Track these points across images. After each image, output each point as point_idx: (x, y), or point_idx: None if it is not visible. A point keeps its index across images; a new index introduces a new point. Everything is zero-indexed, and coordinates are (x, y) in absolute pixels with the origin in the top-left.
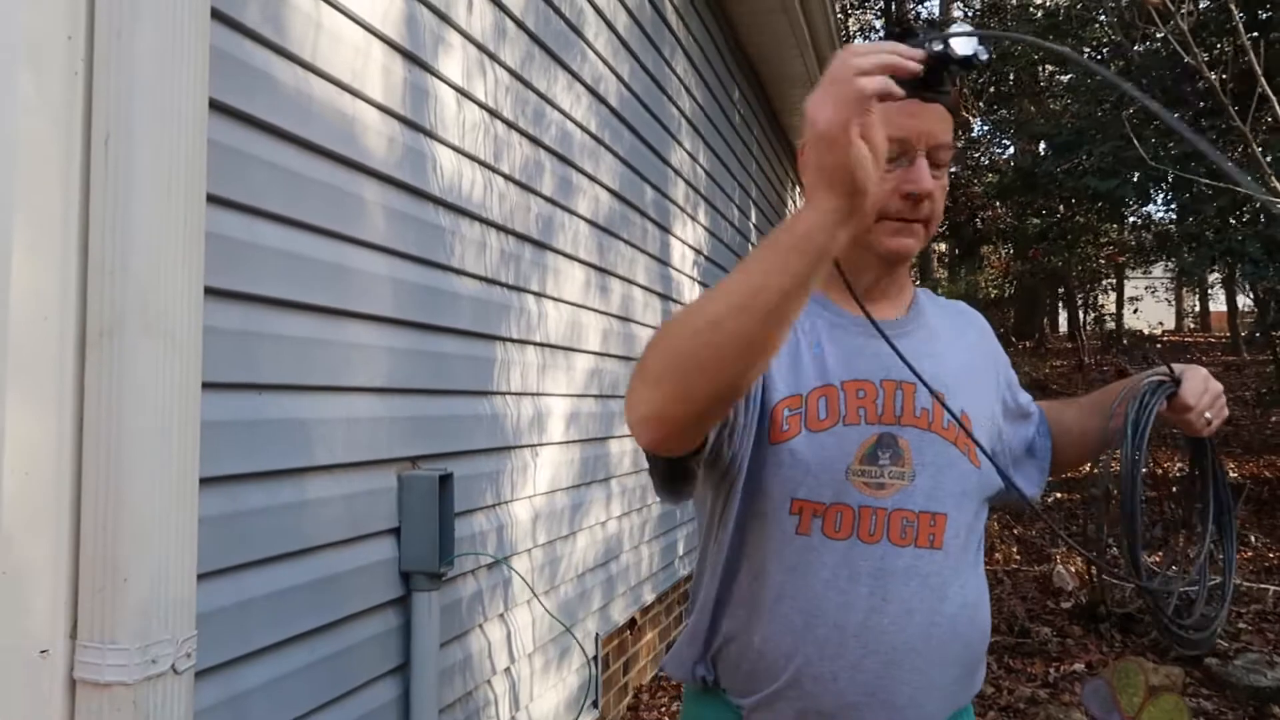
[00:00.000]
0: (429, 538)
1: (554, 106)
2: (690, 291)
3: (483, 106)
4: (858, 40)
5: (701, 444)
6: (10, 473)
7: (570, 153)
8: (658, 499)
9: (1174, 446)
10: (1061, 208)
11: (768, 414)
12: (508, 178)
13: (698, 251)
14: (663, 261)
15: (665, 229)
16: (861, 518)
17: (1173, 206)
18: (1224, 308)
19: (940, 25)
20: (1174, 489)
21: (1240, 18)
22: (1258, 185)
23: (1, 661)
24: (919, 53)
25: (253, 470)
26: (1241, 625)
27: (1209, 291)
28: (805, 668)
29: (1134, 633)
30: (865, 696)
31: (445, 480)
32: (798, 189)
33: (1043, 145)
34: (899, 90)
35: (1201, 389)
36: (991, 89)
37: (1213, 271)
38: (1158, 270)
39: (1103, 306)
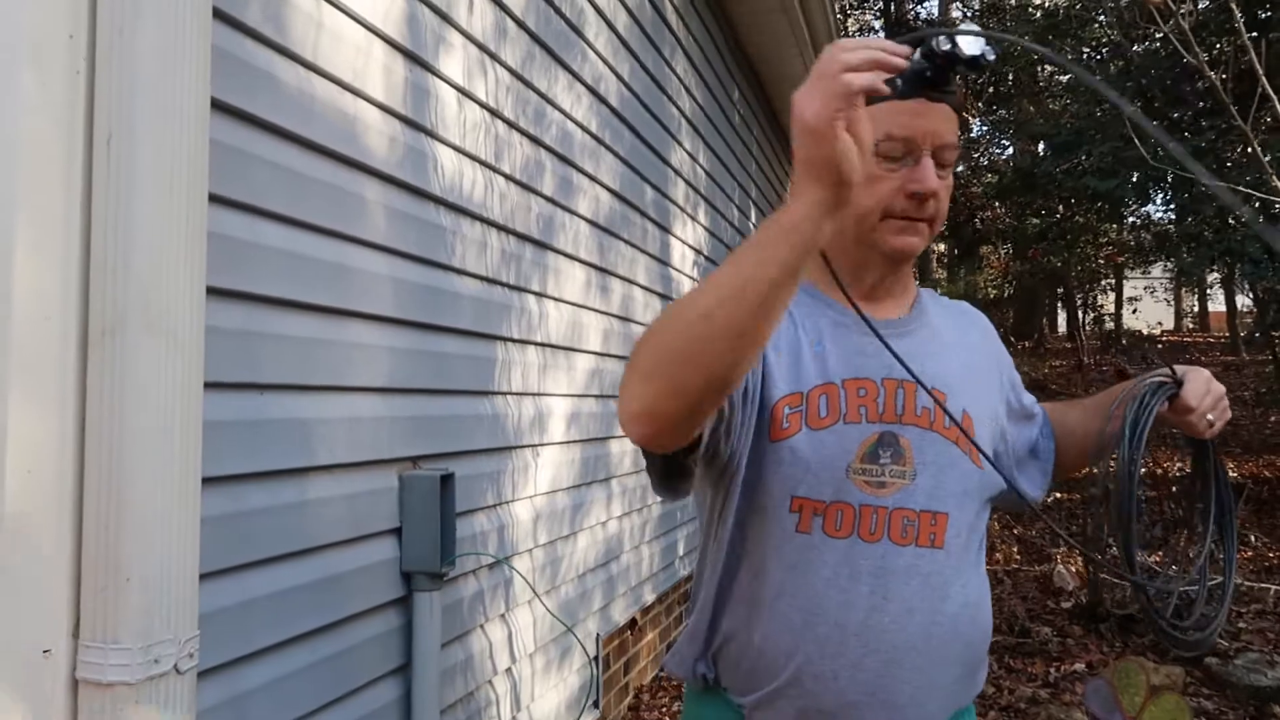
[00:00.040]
0: (430, 538)
1: (554, 106)
2: None
3: (484, 106)
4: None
5: (697, 441)
6: (13, 472)
7: (571, 153)
8: (658, 499)
9: (1174, 447)
10: (1061, 208)
11: (768, 411)
12: (508, 178)
13: (698, 251)
14: (663, 261)
15: (665, 229)
16: (862, 516)
17: (1172, 206)
18: (1223, 308)
19: (941, 26)
20: (1174, 489)
21: (1240, 19)
22: (1236, 197)
23: (4, 661)
24: (906, 49)
25: (255, 470)
26: (1242, 625)
27: (1208, 292)
28: (806, 666)
29: (1134, 633)
30: (866, 695)
31: (446, 480)
32: None
33: (1042, 145)
34: (885, 88)
35: (1204, 391)
36: (991, 89)
37: (1212, 271)
38: (1157, 270)
39: (1102, 307)
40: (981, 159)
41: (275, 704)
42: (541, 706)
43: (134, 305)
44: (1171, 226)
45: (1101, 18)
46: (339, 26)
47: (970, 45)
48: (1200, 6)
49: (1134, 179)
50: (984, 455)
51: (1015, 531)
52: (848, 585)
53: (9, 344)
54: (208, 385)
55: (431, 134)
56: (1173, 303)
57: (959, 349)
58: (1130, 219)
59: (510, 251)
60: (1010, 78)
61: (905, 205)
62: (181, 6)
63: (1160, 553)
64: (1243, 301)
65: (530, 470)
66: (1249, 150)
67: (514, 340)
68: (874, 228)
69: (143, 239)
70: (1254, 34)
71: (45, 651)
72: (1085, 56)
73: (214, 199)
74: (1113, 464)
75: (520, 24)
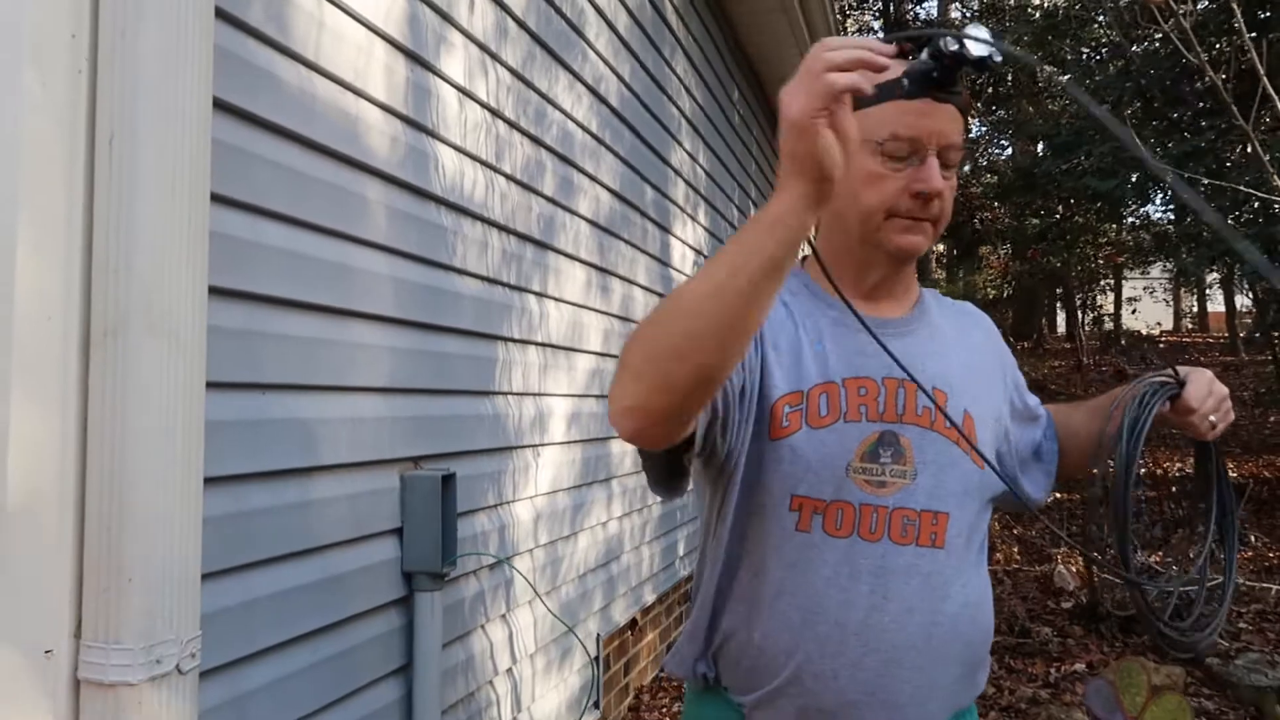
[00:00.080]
0: (431, 538)
1: (555, 106)
2: None
3: (485, 106)
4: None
5: (691, 439)
6: (14, 472)
7: (571, 153)
8: (658, 499)
9: (1175, 447)
10: (1060, 208)
11: (768, 410)
12: (509, 178)
13: (698, 251)
14: (663, 262)
15: (665, 229)
16: (862, 515)
17: (1171, 207)
18: (1222, 308)
19: (941, 26)
20: (1174, 489)
21: (1240, 19)
22: (1209, 205)
23: (6, 661)
24: (891, 49)
25: (257, 470)
26: (1242, 625)
27: (1207, 292)
28: (805, 665)
29: (1135, 633)
30: (866, 695)
31: (448, 480)
32: None
33: (1041, 145)
34: (868, 88)
35: (1206, 392)
36: (990, 90)
37: (1211, 272)
38: (1156, 270)
39: (1101, 307)
40: (981, 159)
41: (277, 704)
42: (542, 707)
43: (136, 305)
44: (1171, 227)
45: (1101, 18)
46: (340, 26)
47: (978, 46)
48: (1200, 6)
49: (1133, 179)
50: (983, 457)
51: (1015, 531)
52: (848, 584)
53: (11, 344)
54: (210, 385)
55: (433, 134)
56: (1172, 303)
57: (961, 349)
58: (1129, 219)
59: (511, 251)
60: (1009, 78)
61: (910, 205)
62: (183, 7)
63: (1160, 553)
64: (1242, 302)
65: (531, 470)
66: (1249, 150)
67: (515, 340)
68: (879, 227)
69: (145, 239)
70: (1254, 34)
71: (47, 652)
72: (1085, 57)
73: (216, 199)
74: (1111, 464)
75: (521, 24)
